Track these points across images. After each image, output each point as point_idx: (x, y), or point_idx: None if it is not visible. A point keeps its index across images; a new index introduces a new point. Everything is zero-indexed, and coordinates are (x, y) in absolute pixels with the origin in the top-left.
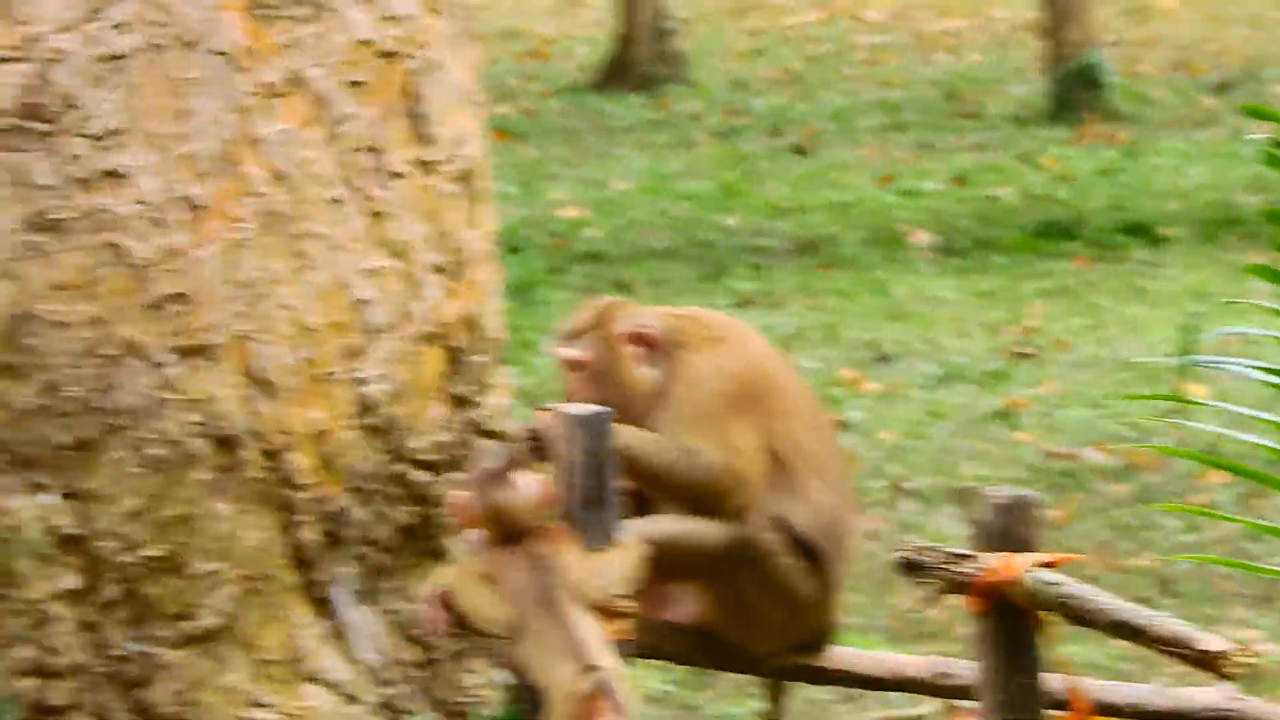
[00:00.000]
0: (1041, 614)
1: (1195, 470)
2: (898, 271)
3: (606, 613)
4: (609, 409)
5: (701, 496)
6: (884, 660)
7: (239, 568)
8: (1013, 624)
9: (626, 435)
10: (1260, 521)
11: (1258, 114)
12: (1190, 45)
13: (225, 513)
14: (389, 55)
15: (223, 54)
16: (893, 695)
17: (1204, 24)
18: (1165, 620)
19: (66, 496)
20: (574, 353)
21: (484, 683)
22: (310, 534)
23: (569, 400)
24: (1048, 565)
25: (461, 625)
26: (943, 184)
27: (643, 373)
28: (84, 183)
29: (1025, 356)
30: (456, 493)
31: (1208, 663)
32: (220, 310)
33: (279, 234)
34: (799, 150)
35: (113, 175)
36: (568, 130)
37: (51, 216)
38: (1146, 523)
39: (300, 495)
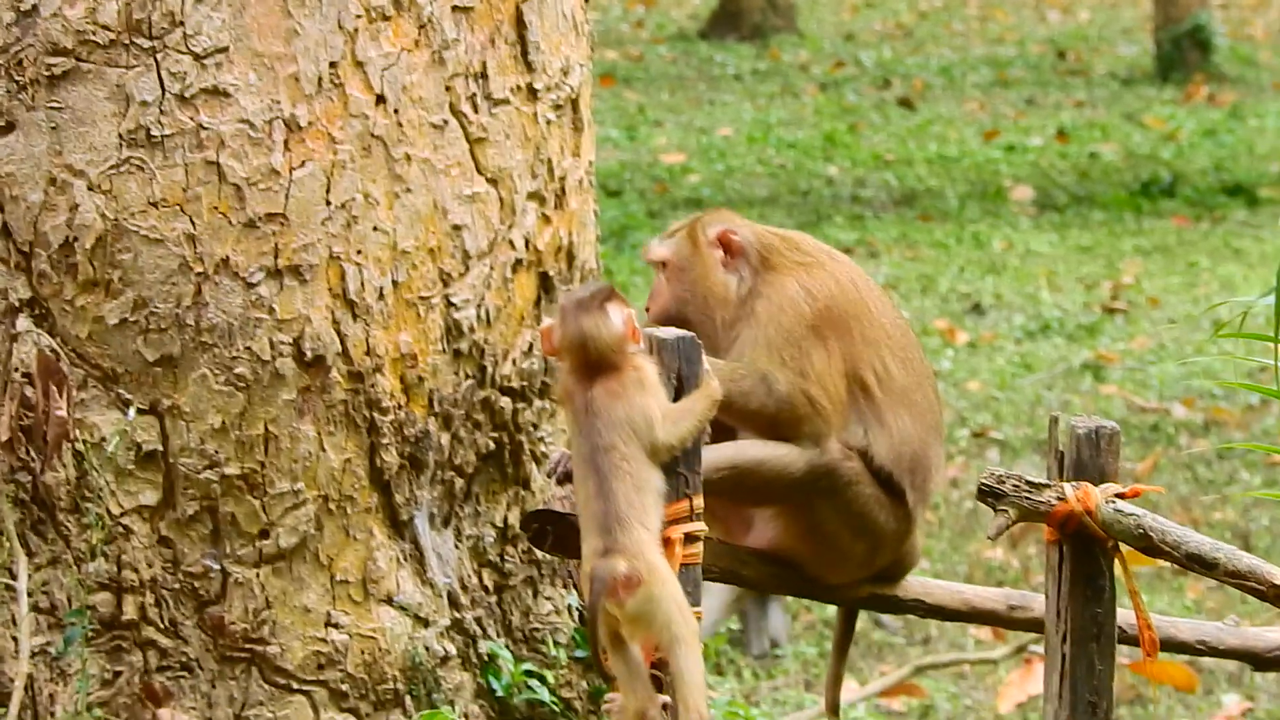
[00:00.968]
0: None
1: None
2: (997, 225)
3: (672, 541)
4: (692, 335)
5: (775, 424)
6: (959, 591)
7: (319, 488)
8: (1087, 554)
9: (704, 361)
10: None
11: None
12: None
13: (308, 433)
14: None
15: None
16: (966, 638)
17: None
18: (1240, 554)
19: (149, 412)
20: (661, 249)
21: (557, 610)
22: (392, 457)
23: (651, 301)
24: (1124, 496)
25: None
26: (1046, 140)
27: (725, 280)
28: (186, 100)
29: (1118, 312)
30: (544, 321)
31: None
32: (315, 231)
33: (378, 157)
34: (905, 103)
35: (215, 93)
36: (674, 77)
37: (152, 133)
38: (1228, 477)
39: (384, 418)
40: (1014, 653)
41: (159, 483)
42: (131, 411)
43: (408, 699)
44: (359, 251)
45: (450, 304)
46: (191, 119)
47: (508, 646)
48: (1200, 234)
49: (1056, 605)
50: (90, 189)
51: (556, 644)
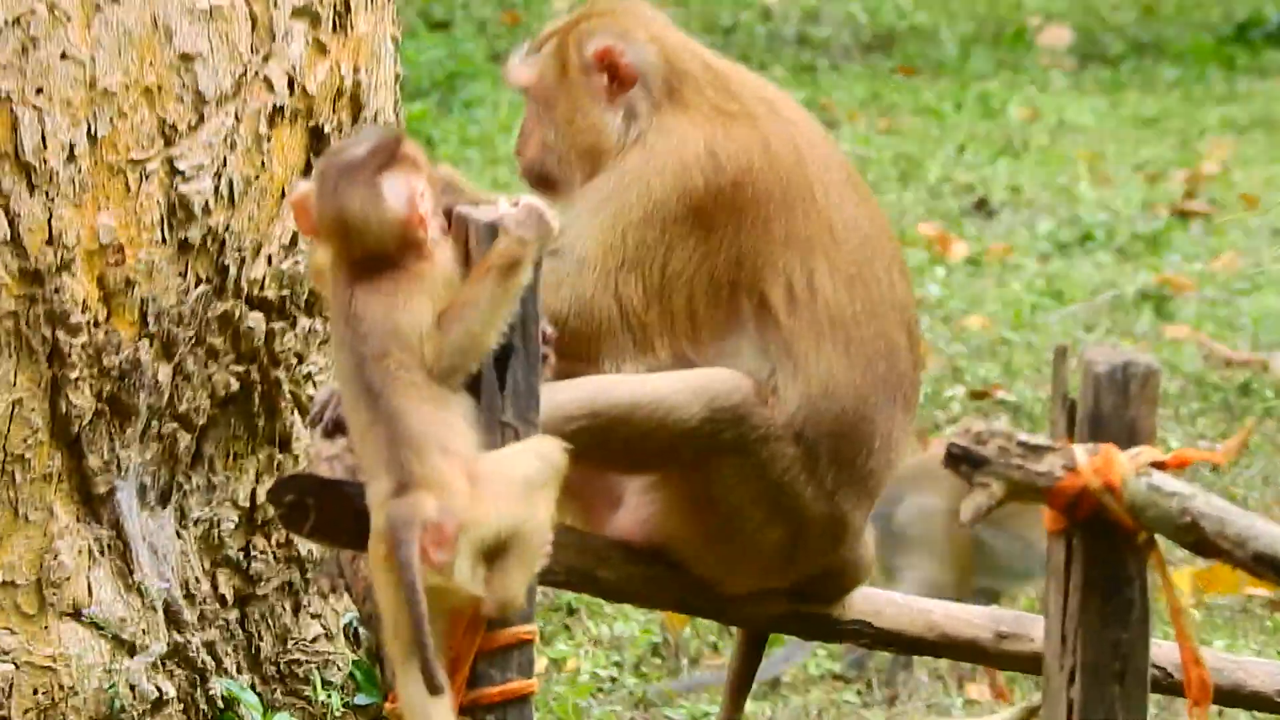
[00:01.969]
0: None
1: None
2: (1016, 84)
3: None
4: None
5: (572, 339)
6: (926, 611)
7: None
8: (1108, 552)
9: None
10: None
11: None
12: None
13: None
14: None
15: None
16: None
17: None
18: None
19: None
20: (522, 70)
21: (328, 633)
22: (84, 399)
23: (520, 145)
24: (1163, 466)
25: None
26: None
27: (604, 120)
28: None
29: (1195, 215)
30: (300, 187)
31: None
32: None
33: None
34: None
35: None
36: None
37: None
38: None
39: (74, 340)
40: (1024, 718)
41: None
42: None
43: None
44: (39, 90)
45: (175, 171)
46: None
47: (253, 686)
48: None
49: (1061, 628)
50: None
51: (326, 684)
